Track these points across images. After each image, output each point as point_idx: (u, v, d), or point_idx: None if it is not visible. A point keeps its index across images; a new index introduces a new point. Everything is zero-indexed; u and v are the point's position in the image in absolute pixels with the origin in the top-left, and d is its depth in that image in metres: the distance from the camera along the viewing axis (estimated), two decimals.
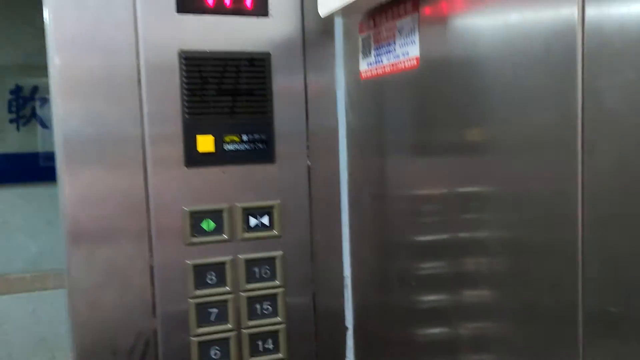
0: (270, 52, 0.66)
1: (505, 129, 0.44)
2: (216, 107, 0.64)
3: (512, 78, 0.43)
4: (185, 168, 0.64)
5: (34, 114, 2.03)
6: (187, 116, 0.63)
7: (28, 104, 2.02)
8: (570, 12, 0.37)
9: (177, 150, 0.63)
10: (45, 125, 2.03)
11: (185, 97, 0.63)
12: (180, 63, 0.63)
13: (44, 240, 1.98)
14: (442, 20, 0.51)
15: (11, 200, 1.99)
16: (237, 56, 0.65)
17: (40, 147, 2.02)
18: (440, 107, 0.52)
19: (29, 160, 2.01)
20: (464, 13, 0.48)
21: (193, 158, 0.64)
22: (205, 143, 0.64)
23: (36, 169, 2.00)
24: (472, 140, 0.48)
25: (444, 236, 0.53)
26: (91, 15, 0.60)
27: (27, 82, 2.01)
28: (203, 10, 0.63)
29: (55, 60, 0.59)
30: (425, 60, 0.54)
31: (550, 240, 0.40)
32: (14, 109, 2.00)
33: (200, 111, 0.64)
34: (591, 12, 0.36)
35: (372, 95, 0.64)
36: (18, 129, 2.01)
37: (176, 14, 0.62)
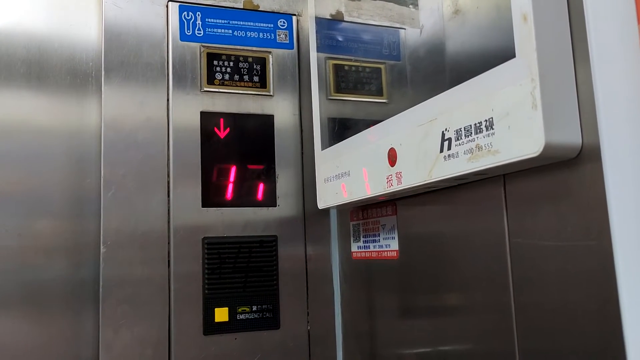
0: (278, 235, 0.80)
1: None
2: (231, 283, 0.77)
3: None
4: (203, 336, 0.75)
5: None
6: (207, 292, 0.75)
7: None
8: None
9: (197, 320, 0.75)
10: None
11: (206, 276, 0.75)
12: (203, 248, 0.76)
13: None
14: (415, 223, 0.65)
15: None
16: (249, 239, 0.78)
17: None
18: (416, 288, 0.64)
19: None
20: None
21: (210, 327, 0.75)
22: (221, 314, 0.76)
23: None
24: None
25: None
26: (134, 211, 0.74)
27: None
28: (223, 204, 0.78)
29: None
30: (403, 252, 0.67)
31: None
32: None
33: (218, 287, 0.76)
34: None
35: (362, 272, 0.77)
36: None
37: (201, 208, 0.77)
